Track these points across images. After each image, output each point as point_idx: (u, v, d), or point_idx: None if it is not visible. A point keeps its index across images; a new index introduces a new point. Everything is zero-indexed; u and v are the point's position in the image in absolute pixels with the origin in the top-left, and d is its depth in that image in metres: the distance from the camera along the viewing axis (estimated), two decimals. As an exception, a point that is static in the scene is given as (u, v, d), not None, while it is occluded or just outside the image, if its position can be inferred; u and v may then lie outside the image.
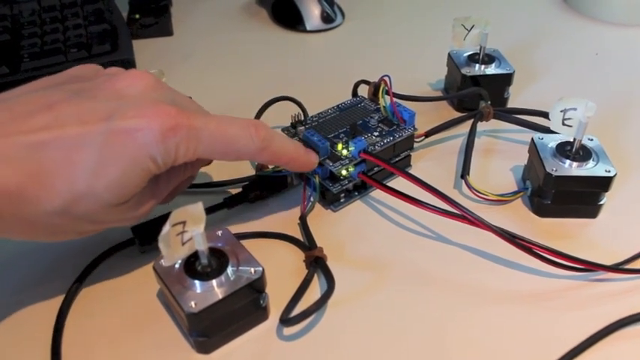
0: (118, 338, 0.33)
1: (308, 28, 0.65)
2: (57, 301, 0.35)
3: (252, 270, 0.32)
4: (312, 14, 0.65)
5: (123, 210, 0.31)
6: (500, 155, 0.47)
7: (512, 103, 0.53)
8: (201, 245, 0.30)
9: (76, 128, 0.29)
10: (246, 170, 0.44)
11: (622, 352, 0.32)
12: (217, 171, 0.45)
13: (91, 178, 0.29)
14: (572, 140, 0.40)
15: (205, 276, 0.32)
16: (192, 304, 0.30)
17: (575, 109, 0.38)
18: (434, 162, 0.46)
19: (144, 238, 0.37)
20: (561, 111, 0.39)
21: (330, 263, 0.36)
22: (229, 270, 0.32)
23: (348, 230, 0.40)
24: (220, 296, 0.31)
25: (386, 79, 0.43)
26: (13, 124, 0.29)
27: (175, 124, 0.30)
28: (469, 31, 0.49)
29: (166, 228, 0.28)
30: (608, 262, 0.37)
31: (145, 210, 0.33)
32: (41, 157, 0.28)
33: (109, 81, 0.32)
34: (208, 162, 0.38)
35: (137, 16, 0.65)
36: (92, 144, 0.29)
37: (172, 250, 0.29)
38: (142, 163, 0.30)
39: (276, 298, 0.34)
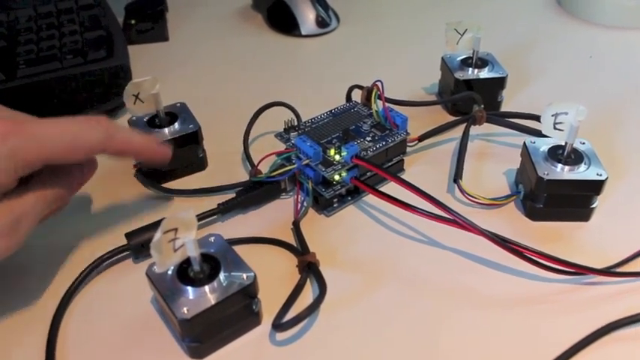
0: (112, 344, 0.34)
1: (303, 32, 0.65)
2: (51, 308, 0.35)
3: (245, 276, 0.32)
4: (307, 19, 0.65)
5: None
6: (494, 159, 0.47)
7: (505, 107, 0.53)
8: (193, 252, 0.31)
9: None
10: (240, 176, 0.44)
11: (613, 355, 0.33)
12: (210, 177, 0.45)
13: None
14: (563, 144, 0.40)
15: (198, 282, 0.32)
16: (185, 310, 0.31)
17: (566, 113, 0.38)
18: (427, 166, 0.46)
19: (137, 245, 0.37)
20: (552, 115, 0.39)
21: (322, 268, 0.36)
22: (221, 276, 0.32)
23: (341, 235, 0.40)
24: (213, 302, 0.31)
25: (378, 84, 0.43)
26: None
27: (7, 130, 0.29)
28: (462, 35, 0.49)
29: (158, 235, 0.28)
30: (601, 265, 0.37)
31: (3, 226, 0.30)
32: None
33: None
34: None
35: (133, 21, 0.65)
36: None
37: (164, 257, 0.29)
38: None
39: (269, 304, 0.34)
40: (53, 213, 0.35)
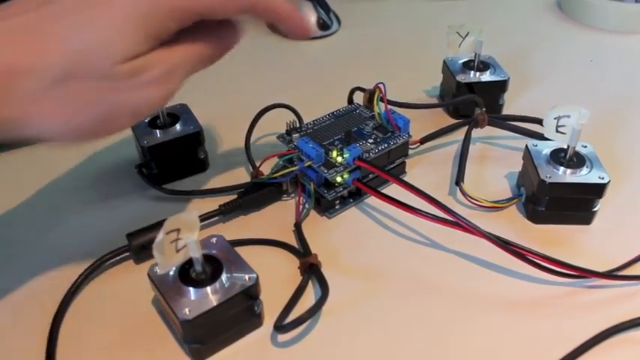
0: (113, 345, 0.34)
1: (304, 35, 0.65)
2: (51, 309, 0.35)
3: (247, 277, 0.32)
4: (309, 21, 0.65)
5: (130, 71, 0.29)
6: (495, 162, 0.47)
7: (507, 110, 0.53)
8: (195, 253, 0.30)
9: (52, 5, 0.28)
10: (242, 177, 0.44)
11: (616, 358, 0.33)
12: (212, 178, 0.45)
13: (84, 36, 0.27)
14: (566, 147, 0.40)
15: (199, 283, 0.32)
16: (186, 311, 0.31)
17: (568, 116, 0.38)
18: (429, 169, 0.46)
19: (138, 246, 0.37)
20: (555, 118, 0.39)
21: (324, 270, 0.36)
22: (223, 277, 0.32)
23: (343, 237, 0.40)
24: (214, 303, 0.31)
25: (380, 86, 0.43)
26: (5, 12, 0.28)
27: None
28: (464, 38, 0.49)
29: (160, 236, 0.28)
30: (603, 269, 0.37)
31: (159, 75, 0.30)
32: (34, 31, 0.28)
33: None
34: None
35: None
36: (83, 4, 0.28)
37: (166, 258, 0.29)
38: (138, 11, 0.28)
39: (271, 305, 0.34)
40: (202, 68, 0.34)
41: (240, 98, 0.55)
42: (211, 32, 0.32)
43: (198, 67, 0.33)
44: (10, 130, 0.28)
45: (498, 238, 0.35)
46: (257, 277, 0.32)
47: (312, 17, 0.65)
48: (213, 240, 0.34)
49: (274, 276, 0.37)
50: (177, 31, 0.30)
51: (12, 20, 0.28)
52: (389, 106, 0.43)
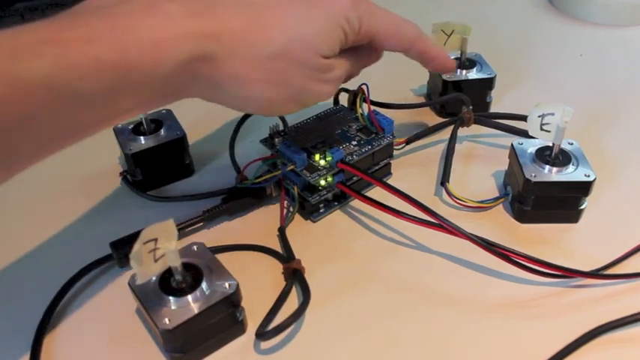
0: (97, 354, 0.33)
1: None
2: (35, 319, 0.35)
3: (227, 284, 0.32)
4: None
5: (325, 66, 0.34)
6: (482, 161, 0.47)
7: (496, 107, 0.53)
8: (174, 261, 0.30)
9: None
10: (226, 182, 0.44)
11: (602, 358, 0.32)
12: (196, 183, 0.45)
13: (302, 26, 0.33)
14: (551, 145, 0.40)
15: (180, 292, 0.32)
16: (167, 320, 0.30)
17: (552, 114, 0.38)
18: (415, 169, 0.46)
19: (122, 254, 0.37)
20: (539, 116, 0.38)
21: (309, 274, 0.36)
22: (204, 285, 0.32)
23: (328, 240, 0.40)
24: (195, 312, 0.31)
25: (363, 87, 0.43)
26: None
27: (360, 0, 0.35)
28: (449, 36, 0.49)
29: (137, 246, 0.28)
30: (590, 267, 0.37)
31: (337, 77, 0.36)
32: (261, 10, 0.32)
33: None
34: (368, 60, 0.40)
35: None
36: (299, 3, 0.33)
37: (145, 268, 0.29)
38: (340, 21, 0.34)
39: (255, 312, 0.34)
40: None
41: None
42: (362, 53, 0.38)
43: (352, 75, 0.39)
44: (226, 87, 0.32)
45: (482, 239, 0.35)
46: (237, 284, 0.32)
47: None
48: (194, 247, 0.34)
49: (258, 282, 0.37)
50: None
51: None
52: (373, 107, 0.43)
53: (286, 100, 0.34)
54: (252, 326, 0.34)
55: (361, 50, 0.38)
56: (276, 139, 0.41)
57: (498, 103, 0.53)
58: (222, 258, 0.34)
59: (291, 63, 0.33)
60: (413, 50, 0.39)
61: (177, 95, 0.32)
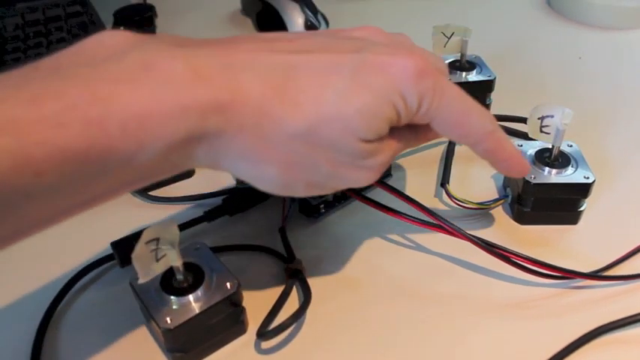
0: (98, 355, 0.33)
1: (292, 37, 0.65)
2: (36, 319, 0.35)
3: (228, 284, 0.32)
4: (296, 23, 0.65)
5: (366, 152, 0.28)
6: (482, 162, 0.46)
7: (495, 109, 0.53)
8: (176, 261, 0.30)
9: (326, 55, 0.27)
10: (227, 183, 0.44)
11: (601, 360, 0.33)
12: (197, 184, 0.45)
13: (340, 102, 0.26)
14: (551, 147, 0.40)
15: (181, 291, 0.32)
16: (168, 319, 0.31)
17: (552, 116, 0.38)
18: (415, 170, 0.46)
19: (123, 254, 0.37)
20: (538, 118, 0.39)
21: (309, 275, 0.36)
22: (205, 285, 0.32)
23: (329, 241, 0.40)
24: (196, 311, 0.31)
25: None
26: (262, 44, 0.28)
27: (428, 70, 0.28)
28: (449, 38, 0.49)
29: (139, 246, 0.28)
30: (590, 269, 0.37)
31: (381, 163, 0.30)
32: (290, 75, 0.26)
33: (346, 30, 0.32)
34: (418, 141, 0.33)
35: (121, 28, 0.65)
36: (343, 70, 0.27)
37: (146, 268, 0.29)
38: (392, 97, 0.27)
39: (255, 312, 0.34)
40: None
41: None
42: (420, 131, 0.32)
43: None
44: (229, 164, 0.28)
45: (482, 240, 0.35)
46: (239, 284, 0.32)
47: (299, 19, 0.65)
48: (196, 247, 0.34)
49: (259, 282, 0.37)
50: None
51: (280, 56, 0.27)
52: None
53: (309, 185, 0.29)
54: (253, 326, 0.34)
55: (419, 128, 0.31)
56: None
57: (498, 106, 0.53)
58: (224, 258, 0.34)
59: (320, 146, 0.27)
60: (480, 147, 0.31)
61: (169, 173, 0.27)
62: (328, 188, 0.30)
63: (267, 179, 0.28)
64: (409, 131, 0.31)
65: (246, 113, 0.25)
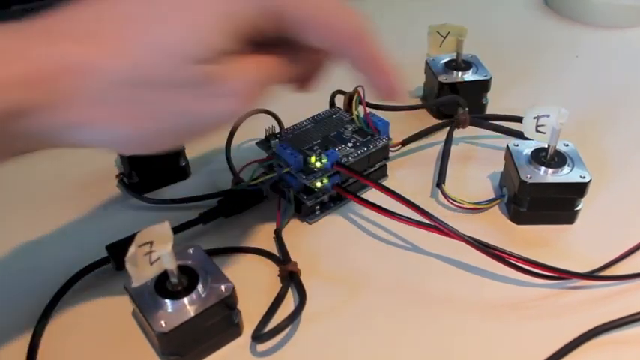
0: (94, 357, 0.33)
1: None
2: (31, 323, 0.35)
3: (223, 287, 0.32)
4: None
5: (205, 76, 0.25)
6: (478, 162, 0.47)
7: (492, 109, 0.53)
8: (170, 264, 0.30)
9: None
10: (222, 185, 0.44)
11: (598, 360, 0.32)
12: (193, 186, 0.45)
13: (163, 28, 0.24)
14: (546, 147, 0.40)
15: (175, 294, 0.31)
16: (163, 323, 0.30)
17: (547, 115, 0.38)
18: (411, 171, 0.46)
19: (118, 257, 0.37)
20: (534, 118, 0.38)
21: (305, 277, 0.36)
22: (200, 288, 0.32)
23: (324, 243, 0.40)
24: (191, 314, 0.31)
25: (359, 89, 0.43)
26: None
27: None
28: (444, 38, 0.49)
29: (132, 249, 0.28)
30: (586, 268, 0.37)
31: (238, 87, 0.26)
32: (105, 21, 0.24)
33: None
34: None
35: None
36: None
37: (140, 271, 0.29)
38: (222, 7, 0.25)
39: (251, 314, 0.34)
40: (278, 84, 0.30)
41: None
42: (298, 53, 0.29)
43: (276, 82, 0.29)
44: (68, 137, 0.25)
45: (477, 240, 0.35)
46: (233, 287, 0.32)
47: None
48: (190, 250, 0.34)
49: (254, 284, 0.37)
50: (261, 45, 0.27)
51: (75, 17, 0.25)
52: (368, 109, 0.43)
53: (167, 133, 0.26)
54: (248, 328, 0.34)
55: (296, 44, 0.28)
56: (272, 142, 0.41)
57: (494, 105, 0.53)
58: (218, 260, 0.34)
59: (152, 84, 0.24)
60: (349, 52, 0.29)
61: (10, 153, 0.26)
62: (194, 133, 0.27)
63: (118, 142, 0.26)
64: (280, 50, 0.28)
65: (68, 79, 0.24)
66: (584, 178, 0.39)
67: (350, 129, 0.44)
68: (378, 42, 0.29)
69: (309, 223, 0.41)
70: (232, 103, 0.26)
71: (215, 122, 0.27)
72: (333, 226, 0.41)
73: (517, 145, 0.42)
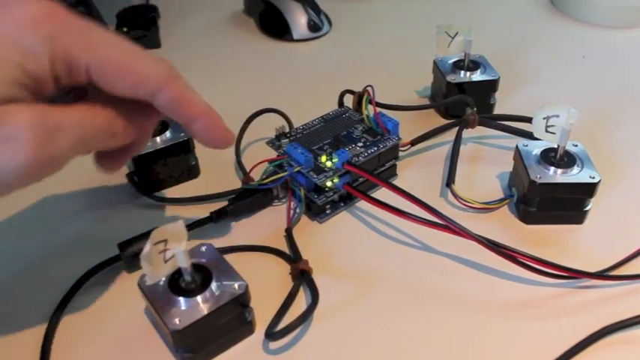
0: (106, 356, 0.33)
1: (295, 37, 0.65)
2: (43, 321, 0.35)
3: (236, 285, 0.32)
4: (299, 23, 0.65)
5: None
6: (487, 162, 0.47)
7: (500, 109, 0.53)
8: (184, 262, 0.30)
9: None
10: (232, 184, 0.44)
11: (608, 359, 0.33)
12: (203, 185, 0.45)
13: None
14: (556, 147, 0.40)
15: (189, 292, 0.32)
16: (177, 320, 0.31)
17: (557, 116, 0.38)
18: (420, 170, 0.46)
19: (130, 255, 0.37)
20: (544, 118, 0.39)
21: (316, 275, 0.36)
22: (213, 286, 0.32)
23: (335, 241, 0.40)
24: (204, 312, 0.31)
25: (369, 89, 0.43)
26: None
27: (53, 12, 0.24)
28: (453, 38, 0.49)
29: (147, 247, 0.28)
30: (596, 268, 0.37)
31: (13, 132, 0.23)
32: None
33: None
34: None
35: (125, 29, 0.65)
36: None
37: (155, 269, 0.29)
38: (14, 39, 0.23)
39: (263, 312, 0.34)
40: (101, 144, 0.28)
41: (231, 103, 0.55)
42: (123, 107, 0.27)
43: (97, 143, 0.27)
44: None
45: (488, 240, 0.35)
46: (246, 285, 0.32)
47: (302, 19, 0.65)
48: (203, 248, 0.34)
49: (266, 283, 0.37)
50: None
51: None
52: (378, 109, 0.43)
53: None
54: (260, 326, 0.34)
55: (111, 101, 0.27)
56: (283, 141, 0.42)
57: (502, 105, 0.53)
58: (230, 259, 0.34)
59: None
60: (160, 99, 0.27)
61: None
62: None
63: None
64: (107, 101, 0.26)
65: None
66: (593, 178, 0.39)
67: (360, 128, 0.44)
68: (189, 86, 0.28)
69: (320, 222, 0.41)
70: (17, 151, 0.23)
71: None
72: (343, 224, 0.42)
73: (526, 145, 0.42)
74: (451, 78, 0.50)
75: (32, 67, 0.24)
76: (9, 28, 0.23)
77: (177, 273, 0.32)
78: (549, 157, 0.40)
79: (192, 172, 0.46)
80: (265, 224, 0.41)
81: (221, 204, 0.41)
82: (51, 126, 0.24)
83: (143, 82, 0.26)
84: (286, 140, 0.42)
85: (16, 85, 0.23)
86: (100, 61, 0.25)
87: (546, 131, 0.39)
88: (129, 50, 0.26)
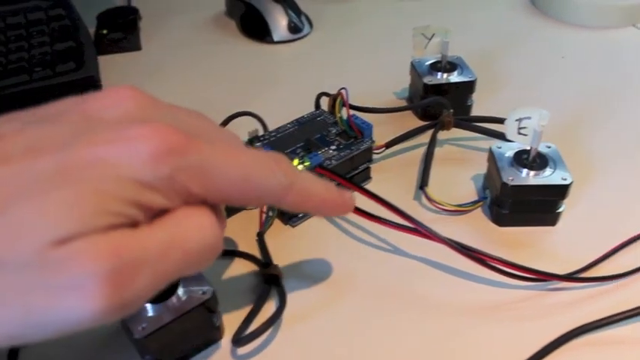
0: (73, 363, 0.33)
1: (275, 39, 0.65)
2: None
3: (204, 290, 0.32)
4: (279, 25, 0.65)
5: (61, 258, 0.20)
6: (462, 164, 0.47)
7: (478, 110, 0.53)
8: (149, 268, 0.30)
9: (20, 164, 0.20)
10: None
11: (577, 362, 0.33)
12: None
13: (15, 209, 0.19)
14: (529, 149, 0.40)
15: (156, 298, 0.31)
16: (141, 327, 0.30)
17: (529, 118, 0.38)
18: (395, 173, 0.46)
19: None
20: (516, 120, 0.39)
21: (287, 280, 0.36)
22: (180, 291, 0.32)
23: (307, 246, 0.40)
24: (170, 318, 0.31)
25: (343, 92, 0.43)
26: None
27: (179, 144, 0.21)
28: (429, 39, 0.49)
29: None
30: (568, 270, 0.37)
31: (88, 276, 0.19)
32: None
33: (81, 104, 0.23)
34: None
35: (105, 31, 0.65)
36: (36, 178, 0.20)
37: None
38: (104, 185, 0.20)
39: (233, 317, 0.34)
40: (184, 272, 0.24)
41: (210, 105, 0.55)
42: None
43: (181, 270, 0.23)
44: None
45: (457, 243, 0.35)
46: (214, 290, 0.32)
47: (283, 21, 0.65)
48: (171, 254, 0.34)
49: (236, 288, 0.37)
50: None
51: None
52: (352, 112, 0.43)
53: (20, 328, 0.20)
54: (229, 332, 0.34)
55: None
56: (255, 145, 0.41)
57: (480, 107, 0.53)
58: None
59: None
60: (284, 204, 0.26)
61: None
62: (38, 333, 0.21)
63: None
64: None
65: None
66: (565, 180, 0.39)
67: (333, 131, 0.44)
68: (308, 179, 0.27)
69: (293, 226, 0.41)
70: (79, 299, 0.19)
71: (62, 324, 0.20)
72: (315, 229, 0.41)
73: (500, 147, 0.42)
74: (428, 80, 0.50)
75: (145, 201, 0.21)
76: (125, 157, 0.21)
77: (144, 279, 0.31)
78: (522, 159, 0.40)
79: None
80: (237, 228, 0.41)
81: (194, 208, 0.41)
82: (127, 265, 0.20)
83: (263, 200, 0.27)
84: (259, 144, 0.42)
85: (120, 216, 0.20)
86: (218, 192, 0.23)
87: (519, 133, 0.39)
88: (245, 167, 0.24)
